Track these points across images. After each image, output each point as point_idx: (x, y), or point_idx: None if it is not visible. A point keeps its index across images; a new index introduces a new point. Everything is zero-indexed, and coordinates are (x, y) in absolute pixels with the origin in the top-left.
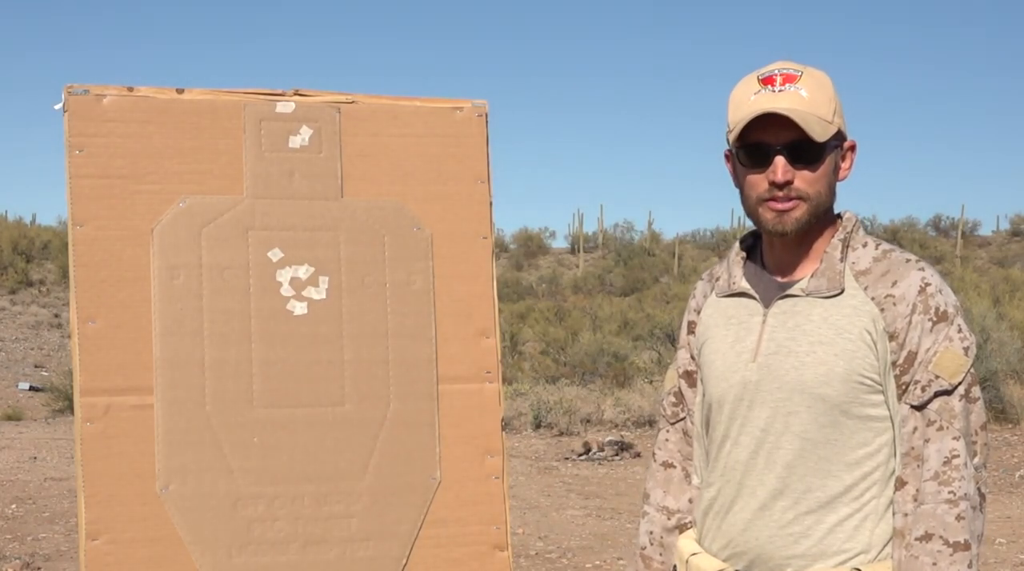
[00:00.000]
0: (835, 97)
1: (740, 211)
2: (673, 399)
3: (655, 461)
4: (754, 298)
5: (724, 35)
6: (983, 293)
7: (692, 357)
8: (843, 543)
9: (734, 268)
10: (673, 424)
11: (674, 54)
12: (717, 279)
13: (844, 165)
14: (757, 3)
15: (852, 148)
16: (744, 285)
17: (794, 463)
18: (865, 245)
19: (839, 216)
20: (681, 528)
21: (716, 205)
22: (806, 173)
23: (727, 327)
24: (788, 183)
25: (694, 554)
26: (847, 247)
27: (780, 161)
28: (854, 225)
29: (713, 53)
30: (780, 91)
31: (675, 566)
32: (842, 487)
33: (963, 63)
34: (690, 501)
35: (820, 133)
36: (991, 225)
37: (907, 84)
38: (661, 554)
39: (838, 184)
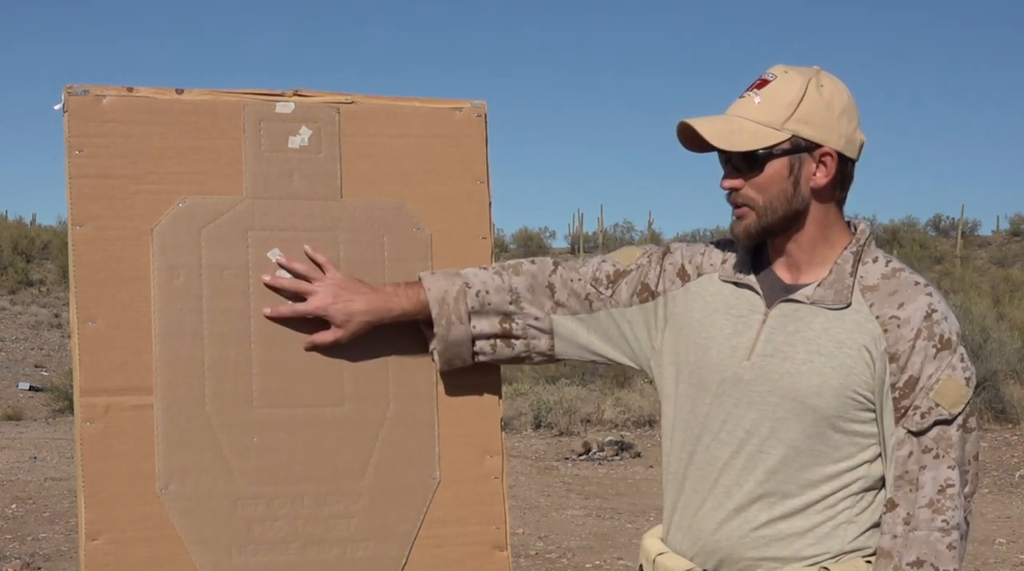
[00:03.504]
0: (806, 103)
1: None
2: (612, 276)
3: (558, 265)
4: (758, 294)
5: (726, 35)
6: (983, 293)
7: (663, 290)
8: (814, 548)
9: (743, 255)
10: (590, 285)
11: (675, 54)
12: (723, 262)
13: (819, 173)
14: (757, 3)
15: (829, 155)
16: (749, 278)
17: (776, 469)
18: (875, 260)
19: (850, 223)
20: (474, 310)
21: (716, 205)
22: (753, 180)
23: (726, 316)
24: (733, 190)
25: (661, 554)
26: (858, 261)
27: (728, 169)
28: (867, 237)
29: (714, 53)
30: (743, 97)
31: (641, 565)
32: (819, 496)
33: (963, 63)
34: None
35: (745, 141)
36: (991, 225)
37: (907, 84)
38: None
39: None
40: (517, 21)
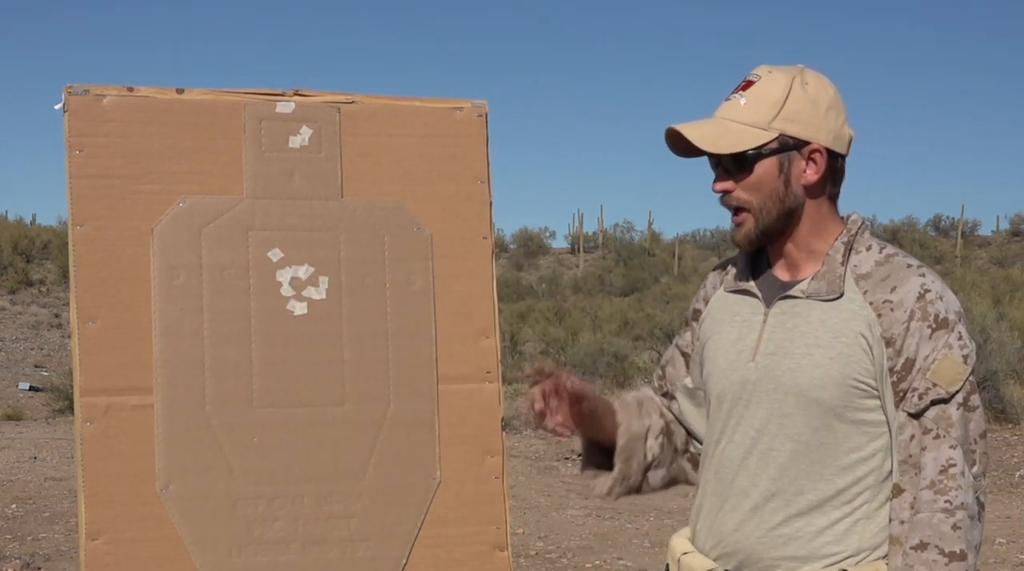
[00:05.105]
0: (791, 101)
1: None
2: (661, 372)
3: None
4: (756, 297)
5: (725, 35)
6: (983, 293)
7: (696, 339)
8: (833, 546)
9: (742, 264)
10: (659, 394)
11: (674, 54)
12: (727, 274)
13: (809, 170)
14: (756, 3)
15: (818, 151)
16: (749, 284)
17: (787, 465)
18: (869, 248)
19: (844, 217)
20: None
21: (716, 205)
22: (744, 182)
23: (731, 324)
24: (725, 192)
25: (685, 553)
26: (850, 250)
27: (718, 172)
28: (859, 227)
29: (713, 53)
30: (728, 99)
31: (667, 565)
32: (834, 490)
33: (963, 63)
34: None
35: (732, 143)
36: (991, 225)
37: (907, 84)
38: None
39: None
40: (518, 21)
